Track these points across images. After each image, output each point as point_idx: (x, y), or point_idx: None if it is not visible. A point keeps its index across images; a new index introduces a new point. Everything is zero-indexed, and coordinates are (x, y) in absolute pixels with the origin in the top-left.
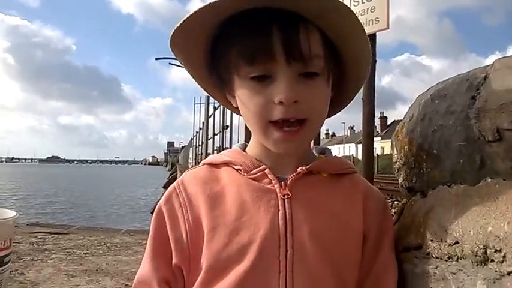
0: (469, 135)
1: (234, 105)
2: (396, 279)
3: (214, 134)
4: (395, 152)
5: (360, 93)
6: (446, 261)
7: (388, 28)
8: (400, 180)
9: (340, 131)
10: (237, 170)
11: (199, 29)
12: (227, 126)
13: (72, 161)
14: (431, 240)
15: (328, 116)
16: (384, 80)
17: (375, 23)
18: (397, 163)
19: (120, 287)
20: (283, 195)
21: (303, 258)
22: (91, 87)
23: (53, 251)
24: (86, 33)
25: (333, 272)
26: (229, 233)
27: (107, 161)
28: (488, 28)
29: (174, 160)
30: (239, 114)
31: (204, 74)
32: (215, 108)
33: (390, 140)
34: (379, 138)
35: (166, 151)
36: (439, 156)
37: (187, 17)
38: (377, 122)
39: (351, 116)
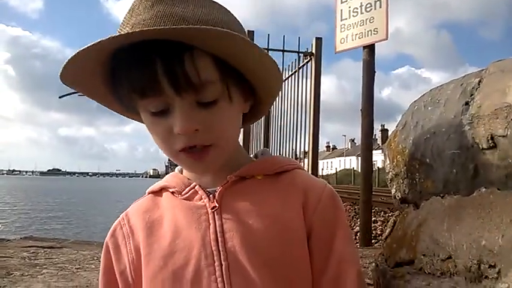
0: (462, 143)
1: None
2: (357, 272)
3: None
4: (388, 161)
5: (359, 105)
6: (438, 277)
7: (386, 39)
8: (393, 191)
9: (341, 143)
10: (172, 193)
11: (91, 64)
12: None
13: (73, 173)
14: (424, 255)
15: (252, 122)
16: (384, 93)
17: (374, 34)
18: (390, 173)
19: None
20: (212, 208)
21: (239, 268)
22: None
23: (44, 266)
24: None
25: (276, 276)
26: (163, 256)
27: (107, 174)
28: (486, 41)
29: None
30: None
31: (111, 101)
32: None
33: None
34: (380, 150)
35: (167, 163)
36: (432, 165)
37: (72, 57)
38: (378, 134)
39: (351, 129)
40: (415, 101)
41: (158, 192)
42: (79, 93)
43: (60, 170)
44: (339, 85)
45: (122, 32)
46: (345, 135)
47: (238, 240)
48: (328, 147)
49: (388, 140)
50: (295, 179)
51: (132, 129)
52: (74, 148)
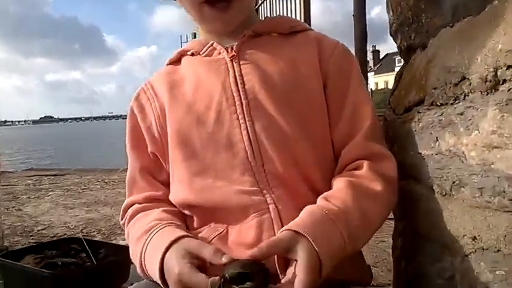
0: None
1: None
2: (372, 107)
3: None
4: (391, 13)
5: (349, 26)
6: (452, 104)
7: None
8: (398, 42)
9: None
10: (191, 54)
11: None
12: None
13: (66, 119)
14: (435, 88)
15: None
16: (373, 12)
17: None
18: (394, 25)
19: (119, 214)
20: (230, 57)
21: (259, 105)
22: (73, 41)
23: (50, 189)
24: None
25: (292, 114)
26: (186, 105)
27: (100, 117)
28: None
29: None
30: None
31: None
32: None
33: (384, 75)
34: (372, 73)
35: None
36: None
37: None
38: (369, 56)
39: None
40: None
41: (177, 62)
42: None
43: (53, 117)
44: (325, 6)
45: None
46: None
47: (257, 80)
48: None
49: None
50: (309, 36)
51: (119, 69)
52: (63, 93)
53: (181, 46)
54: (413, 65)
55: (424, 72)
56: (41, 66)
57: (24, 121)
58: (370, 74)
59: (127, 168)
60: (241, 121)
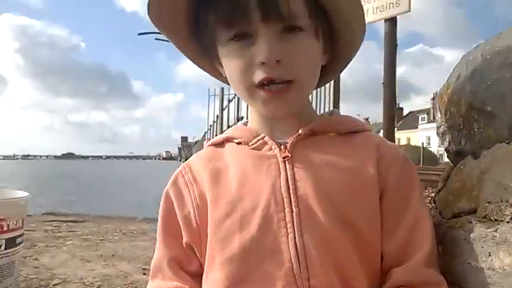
0: None
1: (224, 75)
2: (432, 227)
3: (228, 126)
4: (439, 115)
5: (380, 78)
6: (508, 222)
7: (409, 11)
8: (446, 144)
9: None
10: (238, 143)
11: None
12: (241, 118)
13: (87, 157)
14: (489, 202)
15: (320, 85)
16: (397, 72)
17: (396, 6)
18: (441, 127)
19: (137, 271)
20: (283, 158)
21: (311, 215)
22: (100, 84)
23: (68, 238)
24: (92, 32)
25: (345, 226)
26: (230, 202)
27: (121, 157)
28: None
29: (187, 154)
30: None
31: (189, 44)
32: (229, 101)
33: (406, 132)
34: (395, 129)
35: (179, 146)
36: (494, 113)
37: None
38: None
39: (365, 108)
40: (468, 53)
41: (220, 145)
42: (156, 37)
43: (74, 154)
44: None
45: None
46: (359, 114)
47: (311, 188)
48: None
49: (439, 93)
50: (368, 137)
51: (143, 114)
52: (87, 132)
53: (222, 94)
54: (463, 171)
55: (476, 183)
56: (67, 106)
57: (47, 156)
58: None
59: (145, 218)
60: (289, 230)
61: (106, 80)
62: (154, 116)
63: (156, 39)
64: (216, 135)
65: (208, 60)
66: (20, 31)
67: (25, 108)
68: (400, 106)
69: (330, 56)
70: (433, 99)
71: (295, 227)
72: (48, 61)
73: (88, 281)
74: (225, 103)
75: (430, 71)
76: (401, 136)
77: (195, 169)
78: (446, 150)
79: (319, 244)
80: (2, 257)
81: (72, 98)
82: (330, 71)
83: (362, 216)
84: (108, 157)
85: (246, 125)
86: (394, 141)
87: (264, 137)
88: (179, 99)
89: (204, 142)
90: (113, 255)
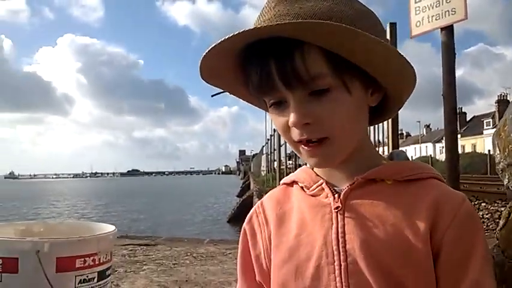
0: None
1: None
2: None
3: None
4: (498, 151)
5: (439, 87)
6: None
7: (466, 18)
8: (506, 181)
9: (415, 130)
10: (301, 187)
11: (224, 58)
12: None
13: (151, 173)
14: None
15: (377, 122)
16: (458, 73)
17: (452, 14)
18: (501, 163)
19: None
20: (335, 208)
21: (357, 271)
22: (159, 100)
23: (144, 262)
24: (148, 49)
25: (392, 285)
26: (288, 249)
27: (182, 172)
28: None
29: (246, 168)
30: None
31: (246, 94)
32: None
33: (471, 138)
34: (459, 135)
35: (237, 160)
36: None
37: (205, 54)
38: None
39: (426, 114)
40: None
41: (290, 184)
42: (224, 91)
43: (139, 171)
44: None
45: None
46: (419, 121)
47: (358, 243)
48: (401, 134)
49: (497, 129)
50: (428, 189)
51: (201, 128)
52: (149, 149)
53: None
54: None
55: None
56: (130, 123)
57: (113, 173)
58: None
59: (211, 240)
60: (337, 284)
61: (165, 96)
62: (211, 130)
63: (212, 96)
64: (274, 149)
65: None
66: (82, 51)
67: (90, 127)
68: (463, 110)
69: (380, 94)
70: (497, 102)
71: (343, 282)
72: (109, 79)
73: None
74: None
75: (492, 71)
76: (466, 143)
77: (267, 211)
78: (507, 186)
79: None
80: None
81: (134, 115)
82: (386, 107)
83: (411, 277)
84: (170, 173)
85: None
86: (458, 157)
87: (322, 183)
88: (234, 111)
89: (262, 156)
90: (186, 280)
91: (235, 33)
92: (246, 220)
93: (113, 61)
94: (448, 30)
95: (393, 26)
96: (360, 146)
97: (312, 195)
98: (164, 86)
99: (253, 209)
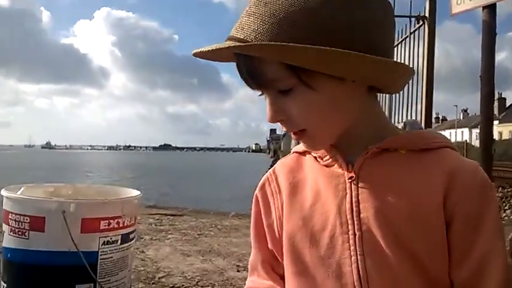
0: None
1: None
2: (506, 263)
3: None
4: None
5: (467, 72)
6: None
7: None
8: None
9: (451, 114)
10: (315, 157)
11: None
12: None
13: (182, 148)
14: None
15: (388, 92)
16: (499, 56)
17: None
18: None
19: (232, 268)
20: (349, 178)
21: (372, 239)
22: (192, 76)
23: (169, 232)
24: (182, 24)
25: (407, 254)
26: (303, 217)
27: (213, 149)
28: None
29: (276, 147)
30: None
31: None
32: None
33: (509, 124)
34: (497, 121)
35: (268, 138)
36: None
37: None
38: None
39: (464, 98)
40: None
41: (302, 153)
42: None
43: (171, 145)
44: (443, 50)
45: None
46: (456, 106)
47: (373, 212)
48: (437, 118)
49: None
50: (442, 158)
51: (232, 105)
52: (181, 124)
53: None
54: None
55: None
56: (163, 98)
57: (146, 147)
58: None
59: (237, 214)
60: (352, 253)
61: (197, 72)
62: (242, 107)
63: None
64: None
65: None
66: (117, 24)
67: (124, 100)
68: (503, 96)
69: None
70: None
71: (358, 251)
72: (143, 53)
73: (189, 275)
74: None
75: None
76: (504, 129)
77: (280, 178)
78: None
79: (381, 269)
80: (118, 251)
81: (167, 90)
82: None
83: (423, 245)
84: (201, 149)
85: None
86: (492, 142)
87: (336, 154)
88: None
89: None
90: (209, 250)
91: (205, 49)
92: (258, 187)
93: (147, 35)
94: (491, 8)
95: (433, 2)
96: (361, 120)
97: (326, 166)
98: (197, 61)
99: (265, 176)
